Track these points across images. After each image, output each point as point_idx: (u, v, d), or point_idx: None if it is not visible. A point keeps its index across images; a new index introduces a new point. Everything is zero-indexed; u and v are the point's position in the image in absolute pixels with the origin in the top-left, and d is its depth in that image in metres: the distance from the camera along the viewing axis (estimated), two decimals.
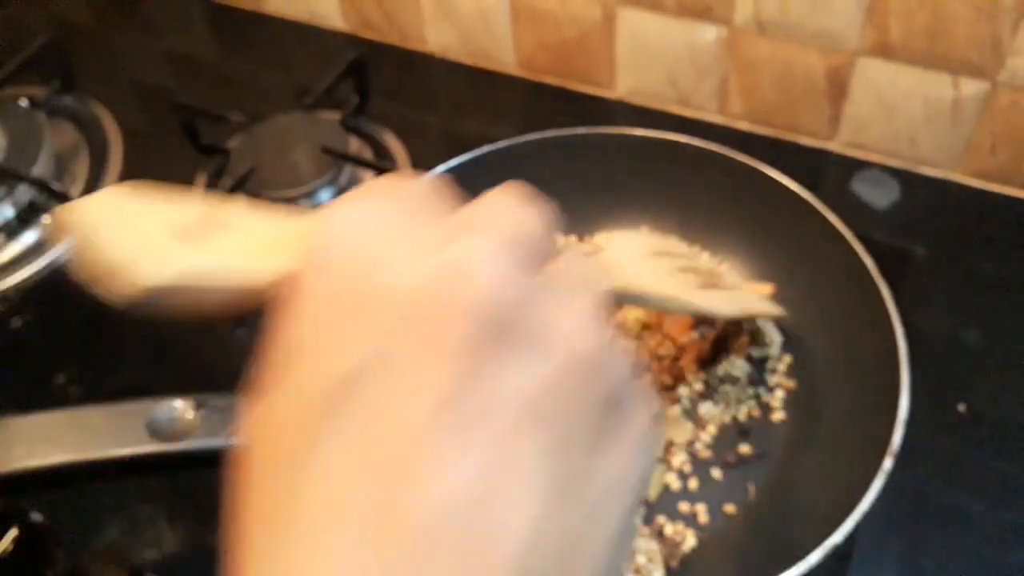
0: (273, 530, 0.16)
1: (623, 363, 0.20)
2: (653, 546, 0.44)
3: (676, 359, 0.50)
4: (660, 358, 0.50)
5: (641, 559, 0.44)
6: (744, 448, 0.47)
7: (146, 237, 0.20)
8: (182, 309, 0.20)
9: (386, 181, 0.21)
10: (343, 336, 0.17)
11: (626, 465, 0.19)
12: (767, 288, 0.52)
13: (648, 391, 0.21)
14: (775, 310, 0.49)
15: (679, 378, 0.49)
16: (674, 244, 0.50)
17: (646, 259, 0.42)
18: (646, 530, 0.45)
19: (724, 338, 0.50)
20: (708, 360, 0.49)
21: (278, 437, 0.17)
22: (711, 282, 0.45)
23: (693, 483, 0.46)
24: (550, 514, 0.17)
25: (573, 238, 0.56)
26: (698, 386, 0.49)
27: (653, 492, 0.46)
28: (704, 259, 0.51)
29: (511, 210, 0.20)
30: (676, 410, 0.48)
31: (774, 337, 0.51)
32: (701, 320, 0.51)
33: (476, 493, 0.16)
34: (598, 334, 0.19)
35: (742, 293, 0.50)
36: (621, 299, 0.36)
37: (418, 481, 0.16)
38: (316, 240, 0.19)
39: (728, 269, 0.53)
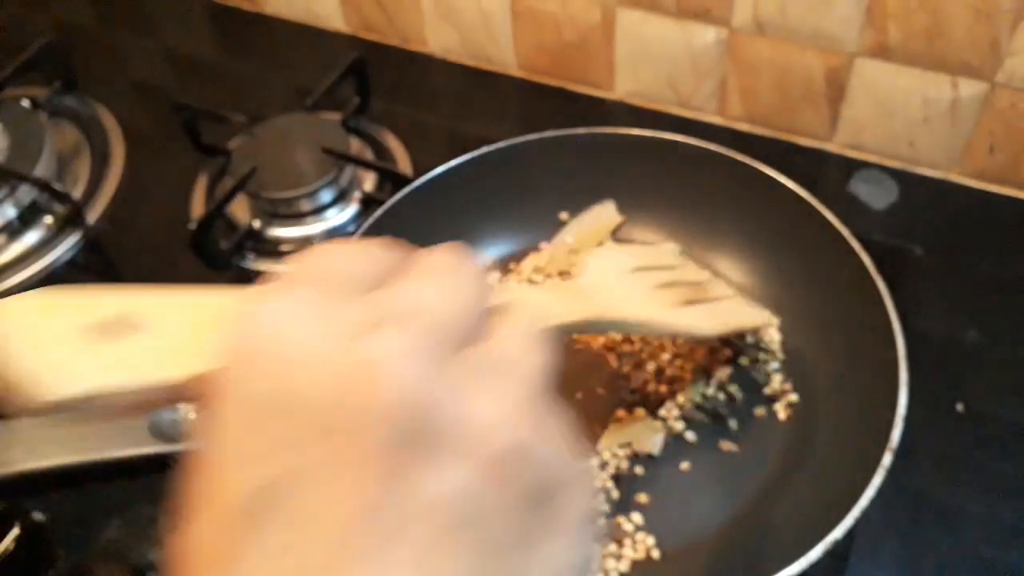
0: None
1: (553, 448, 0.19)
2: (650, 540, 0.44)
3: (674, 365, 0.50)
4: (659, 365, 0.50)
5: (631, 553, 0.44)
6: (744, 447, 0.47)
7: (55, 344, 0.19)
8: (96, 412, 0.20)
9: (311, 260, 0.20)
10: (261, 444, 0.17)
11: (563, 556, 0.19)
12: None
13: (584, 471, 0.20)
14: (765, 320, 0.48)
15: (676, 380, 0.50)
16: (658, 253, 0.48)
17: (626, 278, 0.40)
18: (640, 520, 0.45)
19: (751, 366, 0.50)
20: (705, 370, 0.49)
21: (204, 544, 0.17)
22: (698, 295, 0.43)
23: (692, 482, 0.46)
24: None
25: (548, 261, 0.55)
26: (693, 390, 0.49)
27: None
28: (691, 268, 0.49)
29: (436, 289, 0.19)
30: (674, 411, 0.49)
31: (773, 335, 0.51)
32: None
33: None
34: (524, 422, 0.18)
35: (731, 304, 0.48)
36: (597, 327, 0.35)
37: None
38: (235, 338, 0.18)
39: (715, 278, 0.51)
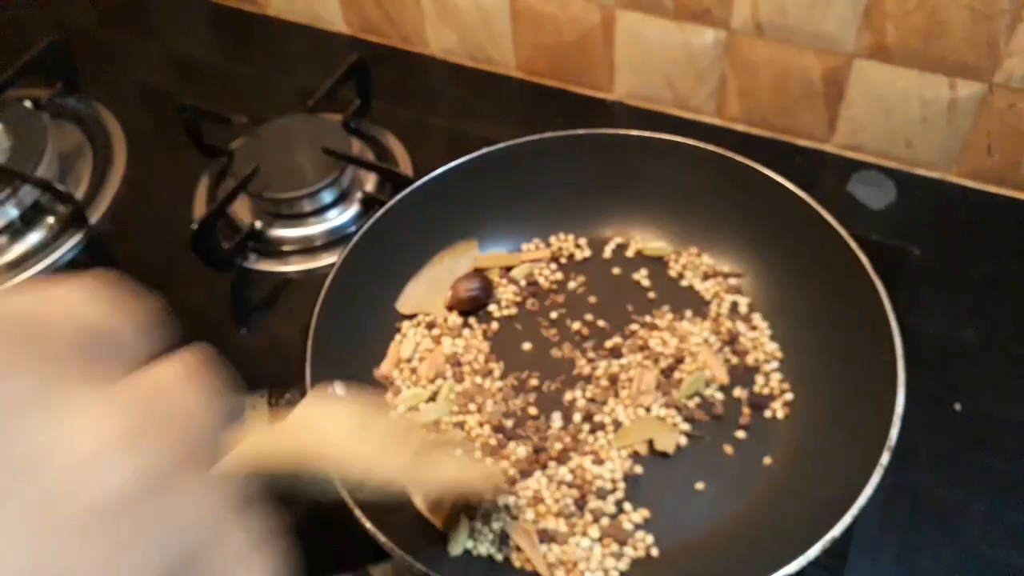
0: None
1: (199, 505, 0.16)
2: (649, 539, 0.44)
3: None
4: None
5: (631, 552, 0.44)
6: (743, 446, 0.48)
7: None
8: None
9: None
10: None
11: None
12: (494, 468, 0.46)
13: (261, 540, 0.17)
14: (493, 485, 0.44)
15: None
16: (382, 417, 0.44)
17: (349, 428, 0.35)
18: (640, 519, 0.45)
19: (752, 366, 0.50)
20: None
21: None
22: (429, 450, 0.39)
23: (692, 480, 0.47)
24: None
25: (630, 247, 0.56)
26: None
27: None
28: (417, 429, 0.46)
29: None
30: (673, 413, 0.49)
31: (768, 331, 0.52)
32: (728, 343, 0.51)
33: None
34: (134, 466, 0.14)
35: (466, 462, 0.45)
36: (314, 472, 0.32)
37: None
38: None
39: (442, 436, 0.48)
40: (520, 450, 0.47)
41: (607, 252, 0.57)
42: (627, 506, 0.46)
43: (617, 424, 0.48)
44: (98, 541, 0.14)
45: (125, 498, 0.14)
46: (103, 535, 0.14)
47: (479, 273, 0.55)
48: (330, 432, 0.34)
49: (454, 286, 0.54)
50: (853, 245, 0.48)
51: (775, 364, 0.51)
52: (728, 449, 0.48)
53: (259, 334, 0.58)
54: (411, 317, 0.54)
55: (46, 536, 0.13)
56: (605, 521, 0.45)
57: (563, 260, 0.57)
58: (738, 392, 0.50)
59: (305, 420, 0.34)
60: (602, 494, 0.46)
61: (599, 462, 0.47)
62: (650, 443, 0.47)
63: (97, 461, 0.14)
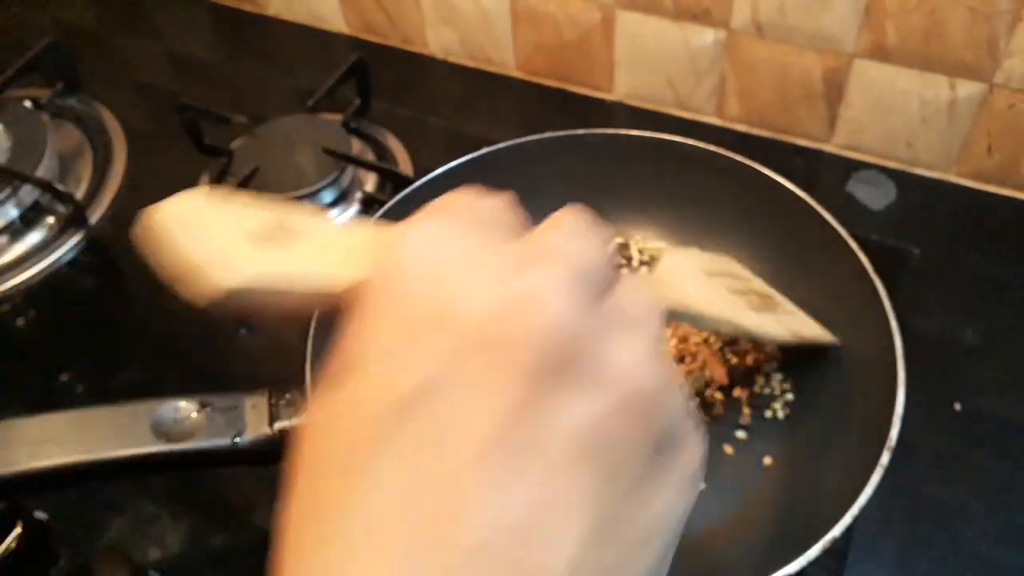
0: (320, 529, 0.17)
1: (678, 401, 0.20)
2: None
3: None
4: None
5: None
6: (743, 446, 0.48)
7: (225, 240, 0.21)
8: (258, 310, 0.21)
9: (460, 198, 0.21)
10: (411, 353, 0.18)
11: (671, 504, 0.19)
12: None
13: (699, 430, 0.21)
14: (829, 337, 0.48)
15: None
16: (730, 265, 0.48)
17: (701, 277, 0.41)
18: None
19: (752, 366, 0.50)
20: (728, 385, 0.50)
21: (338, 438, 0.17)
22: (766, 305, 0.44)
23: None
24: (589, 552, 0.17)
25: (631, 247, 0.56)
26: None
27: None
28: (759, 283, 0.50)
29: (578, 239, 0.20)
30: None
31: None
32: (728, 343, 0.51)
33: (520, 524, 0.16)
34: (656, 371, 0.19)
35: (796, 318, 0.48)
36: (675, 317, 0.36)
37: (466, 506, 0.16)
38: (391, 254, 0.19)
39: (780, 296, 0.50)
40: None
41: None
42: None
43: None
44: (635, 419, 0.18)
45: (655, 393, 0.19)
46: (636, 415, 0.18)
47: None
48: (687, 284, 0.39)
49: None
50: (853, 245, 0.48)
51: (775, 364, 0.51)
52: (728, 449, 0.48)
53: (259, 334, 0.58)
54: None
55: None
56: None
57: None
58: (738, 392, 0.50)
59: (668, 271, 0.39)
60: None
61: None
62: None
63: (641, 366, 0.19)
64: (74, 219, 0.63)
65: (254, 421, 0.45)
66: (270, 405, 0.45)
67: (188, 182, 0.65)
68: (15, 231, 0.63)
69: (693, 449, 0.21)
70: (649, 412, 0.19)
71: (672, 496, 0.20)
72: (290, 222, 0.22)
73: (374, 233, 0.21)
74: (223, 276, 0.20)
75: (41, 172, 0.63)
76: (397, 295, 0.18)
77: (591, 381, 0.18)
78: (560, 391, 0.17)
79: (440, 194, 0.60)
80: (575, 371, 0.18)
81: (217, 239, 0.21)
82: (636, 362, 0.19)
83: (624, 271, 0.20)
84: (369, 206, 0.62)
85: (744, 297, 0.43)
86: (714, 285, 0.41)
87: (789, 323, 0.45)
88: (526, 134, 0.55)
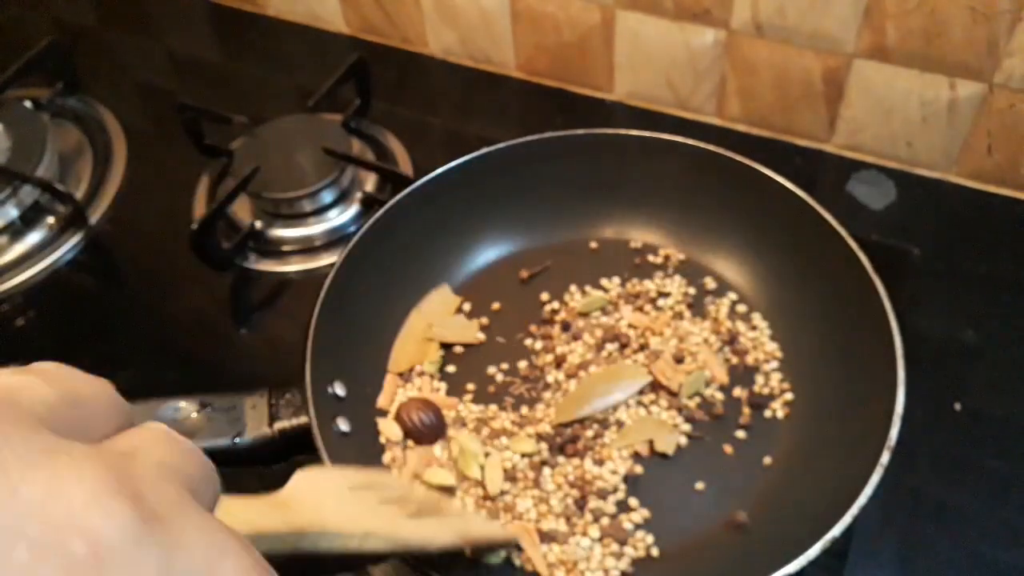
0: None
1: (199, 545, 0.16)
2: (649, 539, 0.44)
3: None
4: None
5: (632, 552, 0.44)
6: (743, 446, 0.48)
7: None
8: None
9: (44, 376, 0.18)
10: None
11: None
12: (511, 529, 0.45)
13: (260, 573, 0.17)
14: (503, 534, 0.44)
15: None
16: (378, 476, 0.44)
17: (342, 493, 0.36)
18: (640, 519, 0.45)
19: (752, 366, 0.49)
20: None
21: None
22: (429, 510, 0.39)
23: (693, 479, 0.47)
24: None
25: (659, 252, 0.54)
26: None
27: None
28: (419, 490, 0.45)
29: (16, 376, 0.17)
30: (673, 415, 0.49)
31: (768, 331, 0.52)
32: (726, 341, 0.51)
33: None
34: (124, 512, 0.15)
35: (465, 519, 0.44)
36: (306, 541, 0.32)
37: None
38: None
39: (446, 499, 0.46)
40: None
41: None
42: (627, 506, 0.46)
43: (619, 424, 0.48)
44: None
45: (122, 541, 0.14)
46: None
47: (430, 404, 0.49)
48: (325, 502, 0.34)
49: (403, 410, 0.48)
50: (853, 245, 0.48)
51: (775, 364, 0.51)
52: (728, 449, 0.48)
53: (259, 334, 0.58)
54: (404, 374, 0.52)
55: None
56: (605, 521, 0.45)
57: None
58: (738, 392, 0.50)
59: (299, 491, 0.34)
60: (603, 494, 0.46)
61: (599, 462, 0.47)
62: (651, 443, 0.47)
63: (89, 510, 0.14)
64: (74, 219, 0.63)
65: (254, 421, 0.45)
66: (270, 405, 0.45)
67: (188, 182, 0.65)
68: (15, 231, 0.63)
69: None
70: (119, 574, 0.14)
71: None
72: None
73: None
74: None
75: (41, 172, 0.63)
76: None
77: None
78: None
79: (440, 194, 0.60)
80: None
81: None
82: (80, 505, 0.14)
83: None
84: (369, 206, 0.62)
85: (401, 505, 0.38)
86: (360, 498, 0.37)
87: (456, 525, 0.40)
88: (526, 134, 0.55)
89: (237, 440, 0.44)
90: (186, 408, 0.48)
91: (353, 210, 0.63)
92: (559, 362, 0.51)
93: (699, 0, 0.61)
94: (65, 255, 0.62)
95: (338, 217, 0.62)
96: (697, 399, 0.49)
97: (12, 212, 0.63)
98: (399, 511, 0.37)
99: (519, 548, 0.44)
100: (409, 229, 0.54)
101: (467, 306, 0.55)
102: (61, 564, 0.14)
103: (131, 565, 0.14)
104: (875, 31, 0.57)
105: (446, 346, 0.53)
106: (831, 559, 0.44)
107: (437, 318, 0.54)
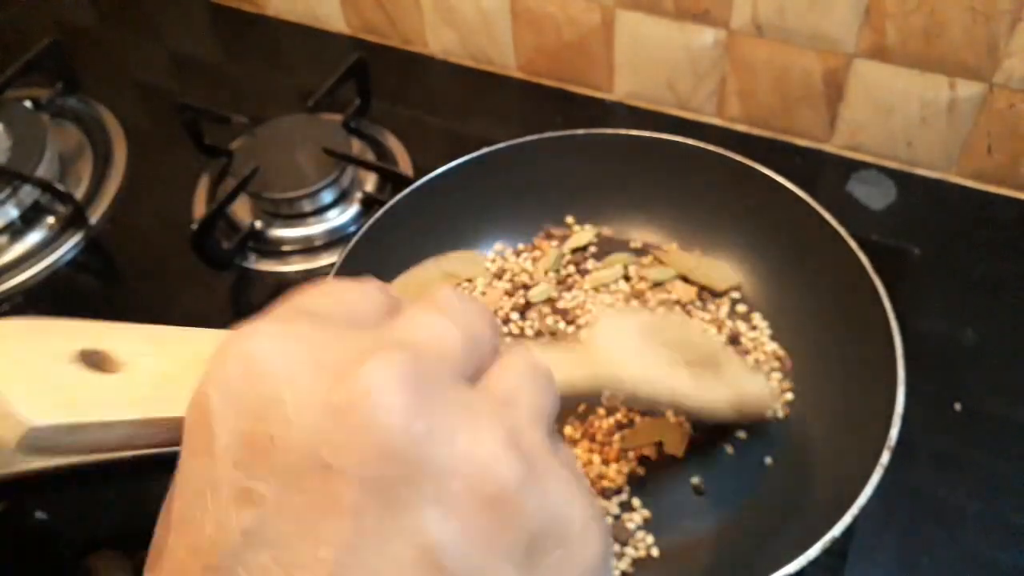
0: None
1: (554, 495, 0.18)
2: (650, 539, 0.44)
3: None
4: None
5: (632, 552, 0.44)
6: (743, 446, 0.48)
7: (40, 370, 0.18)
8: (78, 447, 0.18)
9: (318, 289, 0.19)
10: (236, 489, 0.16)
11: None
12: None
13: (594, 521, 0.19)
14: (775, 396, 0.47)
15: None
16: (667, 317, 0.45)
17: (637, 345, 0.38)
18: (640, 520, 0.45)
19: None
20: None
21: None
22: (710, 362, 0.41)
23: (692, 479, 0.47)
24: None
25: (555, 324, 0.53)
26: None
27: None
28: (698, 329, 0.46)
29: (434, 321, 0.19)
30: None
31: (768, 331, 0.52)
32: None
33: None
34: (517, 464, 0.17)
35: (743, 373, 0.45)
36: (605, 391, 0.34)
37: None
38: (215, 371, 0.17)
39: (727, 348, 0.48)
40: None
41: None
42: (630, 506, 0.46)
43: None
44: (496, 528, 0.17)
45: (516, 487, 0.17)
46: (500, 523, 0.17)
47: None
48: (624, 351, 0.36)
49: None
50: (853, 245, 0.48)
51: (775, 364, 0.51)
52: (728, 449, 0.48)
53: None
54: None
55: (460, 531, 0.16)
56: (608, 521, 0.45)
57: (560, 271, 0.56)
58: None
59: (600, 337, 0.37)
60: (607, 494, 0.46)
61: (607, 462, 0.47)
62: (659, 445, 0.47)
63: (499, 462, 0.17)
64: (74, 219, 0.63)
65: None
66: None
67: (188, 182, 0.65)
68: (15, 231, 0.63)
69: (586, 545, 0.18)
70: (511, 515, 0.17)
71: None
72: (119, 346, 0.19)
73: (208, 349, 0.18)
74: (31, 414, 0.17)
75: (41, 172, 0.63)
76: (223, 421, 0.17)
77: (437, 490, 0.16)
78: (400, 507, 0.16)
79: (440, 193, 0.60)
80: (417, 480, 0.16)
81: (29, 372, 0.18)
82: (494, 455, 0.17)
83: (509, 343, 0.19)
84: (369, 206, 0.62)
85: (679, 349, 0.40)
86: (653, 354, 0.38)
87: (734, 382, 0.42)
88: (526, 134, 0.55)
89: None
90: None
91: (353, 210, 0.63)
92: None
93: (699, 0, 0.61)
94: (65, 255, 0.62)
95: (338, 217, 0.62)
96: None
97: (12, 212, 0.63)
98: (679, 356, 0.39)
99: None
100: (409, 229, 0.54)
101: None
102: (482, 498, 0.17)
103: (520, 505, 0.17)
104: (875, 31, 0.57)
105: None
106: (831, 559, 0.44)
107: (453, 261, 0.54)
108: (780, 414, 0.48)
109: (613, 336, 0.37)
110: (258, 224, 0.61)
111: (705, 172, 0.54)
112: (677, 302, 0.53)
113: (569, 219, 0.58)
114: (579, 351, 0.36)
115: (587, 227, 0.57)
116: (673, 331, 0.41)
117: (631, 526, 0.45)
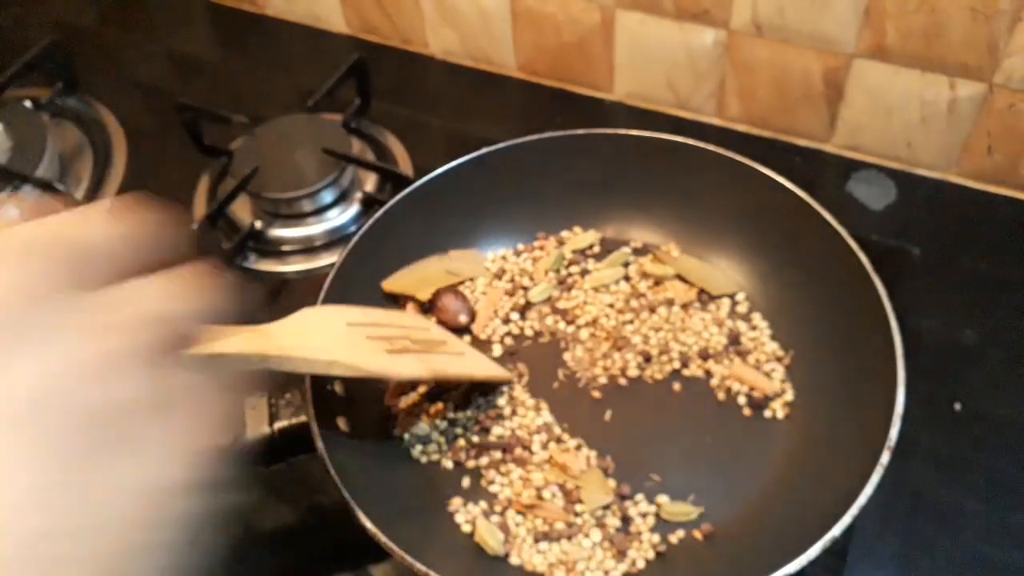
0: None
1: (141, 374, 0.19)
2: (655, 538, 0.44)
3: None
4: None
5: (633, 553, 0.44)
6: (743, 446, 0.48)
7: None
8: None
9: (45, 229, 0.22)
10: None
11: (145, 474, 0.19)
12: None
13: (209, 404, 0.20)
14: (504, 375, 0.49)
15: None
16: (385, 316, 0.46)
17: (339, 328, 0.40)
18: (640, 521, 0.45)
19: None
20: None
21: None
22: (421, 348, 0.43)
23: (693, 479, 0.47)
24: (31, 513, 0.17)
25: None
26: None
27: None
28: (430, 330, 0.47)
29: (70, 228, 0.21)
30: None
31: (768, 331, 0.52)
32: None
33: None
34: (112, 341, 0.19)
35: (465, 357, 0.47)
36: (277, 365, 0.35)
37: None
38: None
39: (454, 338, 0.49)
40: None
41: None
42: (629, 506, 0.46)
43: None
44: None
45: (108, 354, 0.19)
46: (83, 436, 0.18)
47: (459, 293, 0.53)
48: (310, 334, 0.38)
49: (440, 298, 0.53)
50: (853, 245, 0.48)
51: (775, 364, 0.51)
52: (728, 449, 0.48)
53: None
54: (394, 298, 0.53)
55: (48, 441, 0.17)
56: (608, 527, 0.45)
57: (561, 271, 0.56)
58: (738, 391, 0.50)
59: (291, 323, 0.38)
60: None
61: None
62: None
63: (94, 335, 0.19)
64: None
65: (254, 421, 0.45)
66: (270, 405, 0.45)
67: (188, 182, 0.65)
68: None
69: (190, 422, 0.20)
70: (94, 382, 0.18)
71: (149, 466, 0.19)
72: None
73: None
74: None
75: (41, 172, 0.63)
76: None
77: (33, 349, 0.18)
78: (7, 352, 0.17)
79: (440, 193, 0.60)
80: (24, 330, 0.18)
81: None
82: (89, 330, 0.19)
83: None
84: (369, 206, 0.62)
85: (388, 342, 0.41)
86: (351, 333, 0.40)
87: (436, 362, 0.44)
88: (526, 134, 0.55)
89: (237, 440, 0.44)
90: None
91: (353, 210, 0.63)
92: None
93: (699, 0, 0.61)
94: None
95: (338, 217, 0.62)
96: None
97: (12, 212, 0.63)
98: (384, 347, 0.41)
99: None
100: (409, 229, 0.54)
101: None
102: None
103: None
104: (875, 31, 0.57)
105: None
106: (831, 559, 0.44)
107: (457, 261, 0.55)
108: (780, 414, 0.48)
109: (301, 321, 0.39)
110: (258, 224, 0.61)
111: (705, 172, 0.54)
112: (677, 302, 0.53)
113: (569, 219, 0.58)
114: (257, 331, 0.37)
115: (588, 228, 0.57)
116: (387, 327, 0.43)
117: (632, 527, 0.45)
